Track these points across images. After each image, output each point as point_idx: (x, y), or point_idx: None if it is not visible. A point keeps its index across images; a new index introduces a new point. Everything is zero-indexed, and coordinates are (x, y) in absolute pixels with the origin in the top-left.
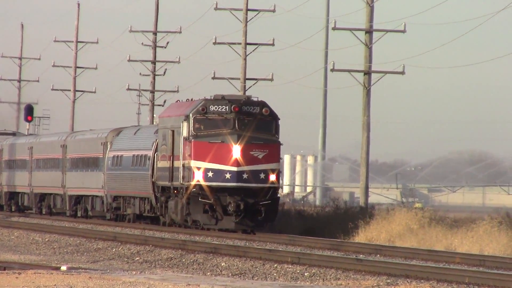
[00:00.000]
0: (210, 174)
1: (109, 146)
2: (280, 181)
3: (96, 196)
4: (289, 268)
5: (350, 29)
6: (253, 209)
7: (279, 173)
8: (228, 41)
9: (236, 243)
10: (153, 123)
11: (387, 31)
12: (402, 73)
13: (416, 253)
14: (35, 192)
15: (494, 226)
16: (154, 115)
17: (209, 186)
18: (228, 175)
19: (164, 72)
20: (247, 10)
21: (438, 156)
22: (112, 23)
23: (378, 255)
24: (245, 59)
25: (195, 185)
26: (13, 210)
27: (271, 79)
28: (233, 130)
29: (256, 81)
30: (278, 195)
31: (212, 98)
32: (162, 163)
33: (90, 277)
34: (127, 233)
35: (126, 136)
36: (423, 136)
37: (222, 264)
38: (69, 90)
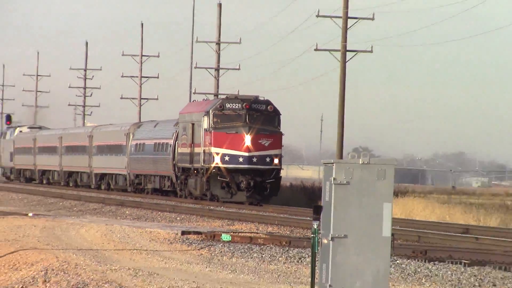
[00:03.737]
0: (226, 158)
1: (131, 136)
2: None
3: (119, 174)
4: (168, 214)
5: None
6: (260, 186)
7: (281, 158)
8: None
9: (135, 199)
10: None
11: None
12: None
13: (245, 208)
14: (64, 170)
15: (294, 190)
16: None
17: (225, 168)
18: (241, 159)
19: None
20: None
21: None
22: None
23: (223, 207)
24: None
25: (215, 167)
26: (44, 182)
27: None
28: (244, 123)
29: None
30: (280, 175)
31: (227, 97)
32: (182, 149)
33: (46, 220)
34: (68, 193)
35: (147, 128)
36: None
37: (127, 212)
38: None
